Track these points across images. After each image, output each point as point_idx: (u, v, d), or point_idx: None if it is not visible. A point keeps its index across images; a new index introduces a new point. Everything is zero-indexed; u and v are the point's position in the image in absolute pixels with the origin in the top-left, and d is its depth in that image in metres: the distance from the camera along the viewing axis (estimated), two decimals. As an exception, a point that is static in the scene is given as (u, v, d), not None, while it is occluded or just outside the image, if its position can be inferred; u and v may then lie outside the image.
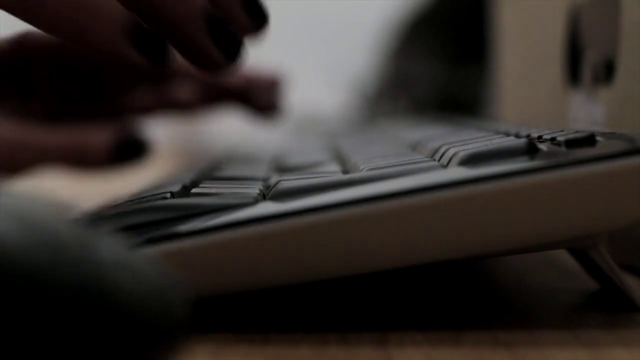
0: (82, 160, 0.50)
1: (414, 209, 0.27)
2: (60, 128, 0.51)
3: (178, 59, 0.44)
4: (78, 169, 0.51)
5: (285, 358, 0.26)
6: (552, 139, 0.30)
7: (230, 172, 0.40)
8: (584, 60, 0.43)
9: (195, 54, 0.31)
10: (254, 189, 0.31)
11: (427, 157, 0.33)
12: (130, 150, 0.51)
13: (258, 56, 0.61)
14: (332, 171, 0.35)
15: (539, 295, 0.33)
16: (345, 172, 0.34)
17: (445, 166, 0.30)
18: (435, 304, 0.32)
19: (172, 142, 0.97)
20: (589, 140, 0.29)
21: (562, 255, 0.39)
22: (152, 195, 0.31)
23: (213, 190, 0.31)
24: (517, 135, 0.34)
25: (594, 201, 0.27)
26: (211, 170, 0.42)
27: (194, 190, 0.32)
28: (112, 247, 0.18)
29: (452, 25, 1.01)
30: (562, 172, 0.27)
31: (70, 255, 0.17)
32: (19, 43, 0.50)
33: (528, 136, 0.33)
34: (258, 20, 0.34)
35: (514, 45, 0.56)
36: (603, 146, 0.28)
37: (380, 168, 0.31)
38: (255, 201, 0.29)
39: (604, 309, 0.30)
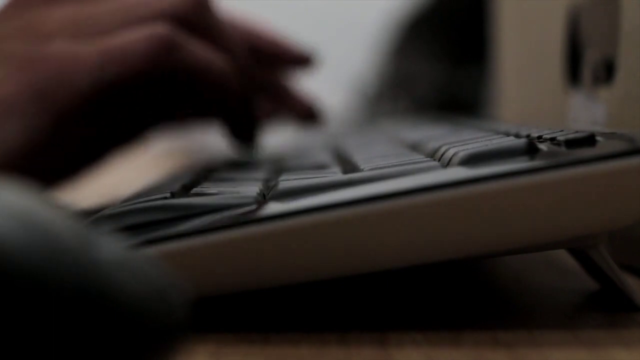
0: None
1: (414, 209, 0.27)
2: None
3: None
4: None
5: (285, 358, 0.26)
6: (552, 139, 0.30)
7: (230, 172, 0.40)
8: (584, 60, 0.43)
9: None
10: (254, 189, 0.31)
11: (427, 157, 0.33)
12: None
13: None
14: (332, 171, 0.35)
15: (539, 295, 0.33)
16: (345, 172, 0.34)
17: (445, 166, 0.30)
18: (435, 304, 0.32)
19: (173, 142, 0.97)
20: (589, 140, 0.29)
21: (562, 255, 0.39)
22: (152, 195, 0.31)
23: (213, 190, 0.31)
24: (517, 135, 0.34)
25: (594, 201, 0.27)
26: (211, 171, 0.42)
27: (194, 190, 0.32)
28: (112, 247, 0.18)
29: (452, 25, 1.01)
30: (562, 172, 0.27)
31: (70, 255, 0.17)
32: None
33: (528, 136, 0.33)
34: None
35: (514, 45, 0.56)
36: (603, 146, 0.28)
37: (380, 168, 0.31)
38: (255, 201, 0.29)
39: (604, 309, 0.30)
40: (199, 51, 0.41)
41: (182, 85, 0.42)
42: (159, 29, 0.40)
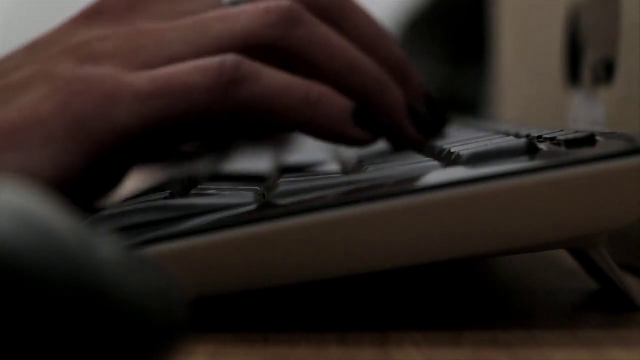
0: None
1: (414, 209, 0.27)
2: None
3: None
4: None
5: (285, 358, 0.26)
6: (552, 139, 0.30)
7: (230, 172, 0.40)
8: (584, 60, 0.43)
9: (399, 131, 0.39)
10: (254, 189, 0.31)
11: (427, 157, 0.33)
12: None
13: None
14: (332, 171, 0.35)
15: (539, 295, 0.33)
16: (345, 172, 0.34)
17: (446, 166, 0.30)
18: (435, 304, 0.32)
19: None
20: (589, 140, 0.29)
21: (562, 255, 0.39)
22: (152, 195, 0.31)
23: (213, 190, 0.31)
24: (517, 135, 0.34)
25: (594, 201, 0.27)
26: (211, 171, 0.42)
27: (194, 190, 0.32)
28: (112, 247, 0.18)
29: (452, 25, 1.01)
30: (562, 172, 0.27)
31: (70, 255, 0.17)
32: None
33: (528, 136, 0.33)
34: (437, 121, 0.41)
35: (514, 45, 0.56)
36: (603, 146, 0.28)
37: (381, 168, 0.31)
38: (255, 201, 0.29)
39: (604, 309, 0.30)
40: (273, 81, 0.35)
41: (250, 120, 0.36)
42: (225, 59, 0.35)
